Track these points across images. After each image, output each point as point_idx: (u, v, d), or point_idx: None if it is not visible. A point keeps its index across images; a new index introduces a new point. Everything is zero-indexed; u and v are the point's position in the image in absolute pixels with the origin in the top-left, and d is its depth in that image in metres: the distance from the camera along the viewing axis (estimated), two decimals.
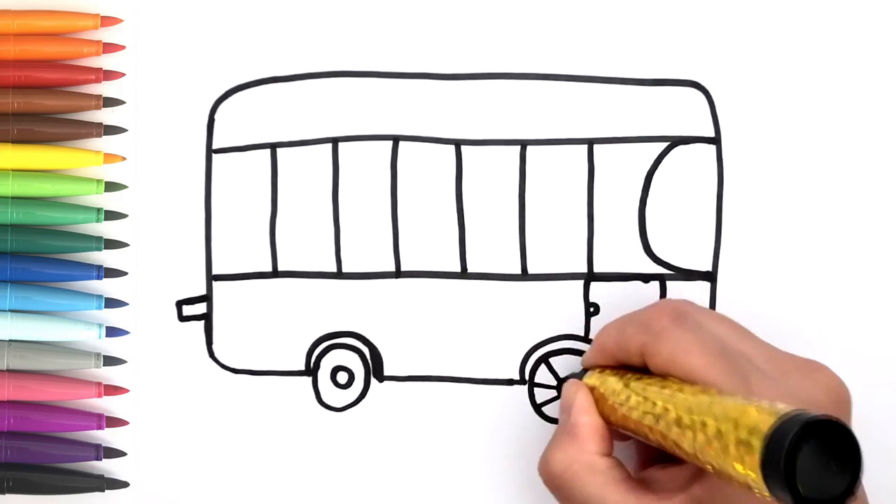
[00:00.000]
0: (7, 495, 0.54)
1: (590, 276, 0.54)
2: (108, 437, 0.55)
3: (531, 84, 0.54)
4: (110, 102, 0.54)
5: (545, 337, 0.54)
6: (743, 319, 0.48)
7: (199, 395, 0.55)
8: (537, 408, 0.54)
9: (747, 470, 0.37)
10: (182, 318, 0.55)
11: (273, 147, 0.55)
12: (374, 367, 0.55)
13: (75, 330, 0.54)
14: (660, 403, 0.44)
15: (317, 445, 0.55)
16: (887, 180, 0.53)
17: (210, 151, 0.55)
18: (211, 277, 0.55)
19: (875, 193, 0.53)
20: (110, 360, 0.54)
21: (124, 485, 0.55)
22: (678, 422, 0.42)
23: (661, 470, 0.46)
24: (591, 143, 0.54)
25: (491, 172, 0.54)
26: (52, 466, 0.54)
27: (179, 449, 0.55)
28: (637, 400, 0.46)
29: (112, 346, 0.55)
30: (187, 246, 0.55)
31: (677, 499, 0.44)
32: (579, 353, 0.54)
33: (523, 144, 0.54)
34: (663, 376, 0.46)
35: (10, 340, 0.54)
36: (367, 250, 0.55)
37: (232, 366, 0.55)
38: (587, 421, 0.48)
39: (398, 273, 0.54)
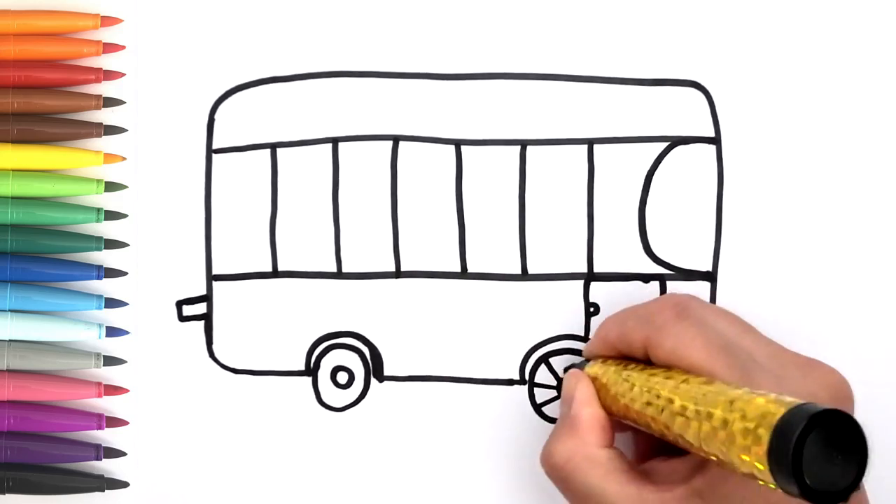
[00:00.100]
0: (7, 495, 0.54)
1: (590, 276, 0.54)
2: (108, 437, 0.55)
3: (531, 84, 0.54)
4: (110, 102, 0.54)
5: (545, 337, 0.54)
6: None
7: (199, 395, 0.55)
8: (537, 408, 0.54)
9: (753, 460, 0.37)
10: (182, 318, 0.55)
11: (273, 147, 0.55)
12: (374, 367, 0.55)
13: (75, 330, 0.54)
14: (664, 393, 0.44)
15: (317, 445, 0.55)
16: (887, 180, 0.53)
17: (210, 151, 0.55)
18: (211, 277, 0.55)
19: (875, 193, 0.53)
20: (110, 360, 0.54)
21: (124, 485, 0.55)
22: (683, 411, 0.42)
23: (662, 461, 0.46)
24: (591, 143, 0.54)
25: (491, 172, 0.54)
26: (52, 466, 0.54)
27: (179, 449, 0.55)
28: (640, 390, 0.46)
29: (112, 346, 0.55)
30: (187, 246, 0.55)
31: (678, 490, 0.44)
32: (579, 353, 0.54)
33: (523, 144, 0.54)
34: (667, 368, 0.46)
35: (10, 340, 0.54)
36: (367, 250, 0.55)
37: (232, 366, 0.55)
38: (588, 412, 0.48)
39: (398, 273, 0.54)
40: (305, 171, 0.55)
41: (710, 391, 0.41)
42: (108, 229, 0.55)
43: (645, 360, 0.48)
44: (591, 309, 0.54)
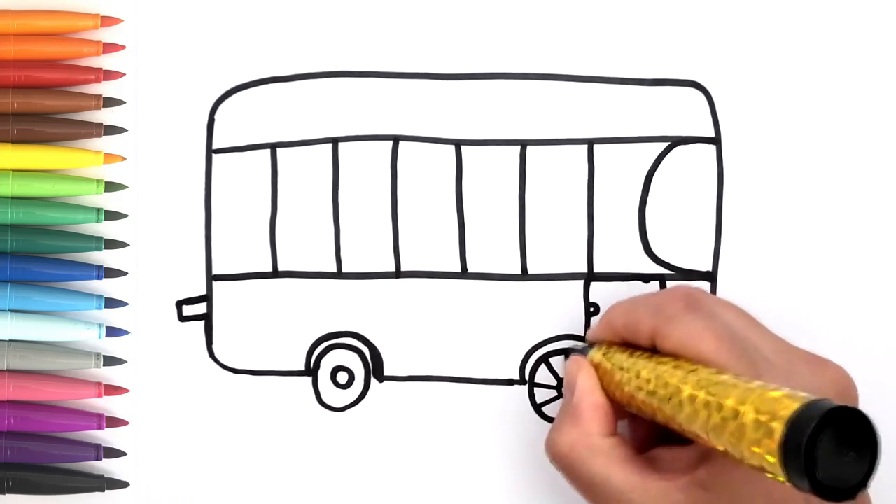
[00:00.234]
0: (7, 495, 0.54)
1: (590, 276, 0.54)
2: (108, 437, 0.55)
3: (531, 84, 0.54)
4: (110, 102, 0.54)
5: (545, 337, 0.54)
6: None
7: (199, 395, 0.55)
8: (537, 408, 0.54)
9: (764, 453, 0.37)
10: (182, 318, 0.55)
11: (273, 147, 0.55)
12: (374, 367, 0.55)
13: (75, 330, 0.54)
14: (673, 382, 0.44)
15: (317, 445, 0.55)
16: (887, 180, 0.53)
17: (210, 151, 0.55)
18: (211, 277, 0.55)
19: (875, 193, 0.54)
20: (110, 360, 0.54)
21: (124, 485, 0.55)
22: (692, 401, 0.42)
23: (665, 450, 0.46)
24: (591, 143, 0.54)
25: (491, 172, 0.54)
26: (52, 466, 0.54)
27: (179, 449, 0.55)
28: (647, 378, 0.46)
29: (112, 346, 0.55)
30: (187, 246, 0.55)
31: (682, 480, 0.44)
32: (579, 353, 0.54)
33: (523, 144, 0.54)
34: (674, 357, 0.46)
35: (10, 340, 0.54)
36: (367, 250, 0.54)
37: (232, 366, 0.55)
38: (590, 401, 0.48)
39: (398, 273, 0.54)
40: (305, 171, 0.55)
41: (721, 381, 0.41)
42: (108, 229, 0.55)
43: (651, 349, 0.48)
44: (591, 309, 0.54)
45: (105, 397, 0.54)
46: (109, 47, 0.54)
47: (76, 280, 0.54)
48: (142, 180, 0.55)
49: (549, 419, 0.54)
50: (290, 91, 0.55)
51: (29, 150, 0.54)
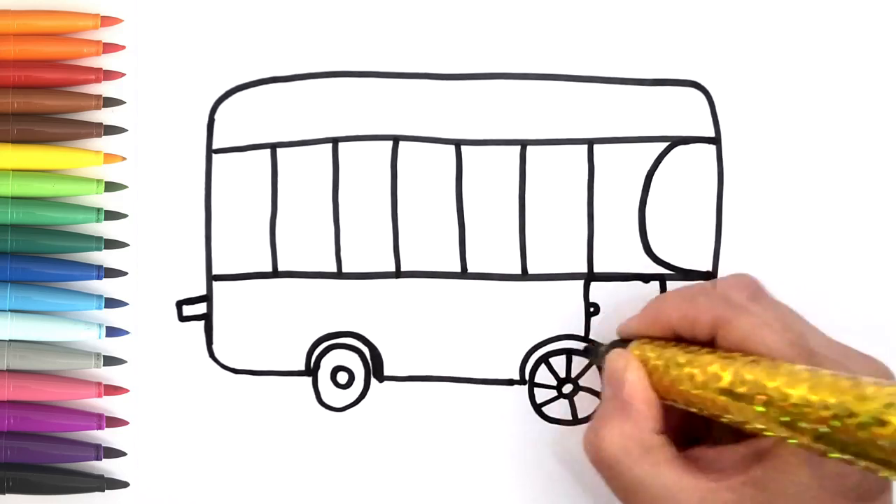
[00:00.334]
0: (7, 495, 0.54)
1: (590, 277, 0.54)
2: (108, 437, 0.55)
3: (531, 84, 0.54)
4: (110, 102, 0.54)
5: (545, 337, 0.54)
6: None
7: (199, 395, 0.55)
8: (537, 408, 0.54)
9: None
10: (182, 318, 0.55)
11: (273, 147, 0.55)
12: (374, 368, 0.55)
13: (75, 330, 0.54)
14: (765, 381, 0.42)
15: (317, 445, 0.55)
16: (887, 180, 0.53)
17: (210, 151, 0.55)
18: (211, 277, 0.55)
19: (875, 193, 0.53)
20: (110, 360, 0.54)
21: (124, 485, 0.55)
22: (806, 402, 0.40)
23: (710, 449, 0.46)
24: (591, 143, 0.54)
25: (491, 172, 0.54)
26: (52, 466, 0.54)
27: (179, 449, 0.55)
28: (715, 374, 0.44)
29: (112, 346, 0.55)
30: (187, 246, 0.55)
31: (735, 480, 0.43)
32: (580, 353, 0.54)
33: (523, 144, 0.54)
34: (730, 351, 0.45)
35: (10, 340, 0.54)
36: (367, 250, 0.54)
37: (232, 366, 0.55)
38: (643, 397, 0.46)
39: (398, 273, 0.54)
40: (305, 171, 0.55)
41: (822, 380, 0.40)
42: (108, 229, 0.55)
43: (703, 343, 0.46)
44: (591, 309, 0.54)
45: (105, 397, 0.54)
46: (109, 47, 0.54)
47: (76, 280, 0.54)
48: (142, 180, 0.55)
49: (549, 419, 0.54)
50: (290, 91, 0.55)
51: (29, 150, 0.54)
